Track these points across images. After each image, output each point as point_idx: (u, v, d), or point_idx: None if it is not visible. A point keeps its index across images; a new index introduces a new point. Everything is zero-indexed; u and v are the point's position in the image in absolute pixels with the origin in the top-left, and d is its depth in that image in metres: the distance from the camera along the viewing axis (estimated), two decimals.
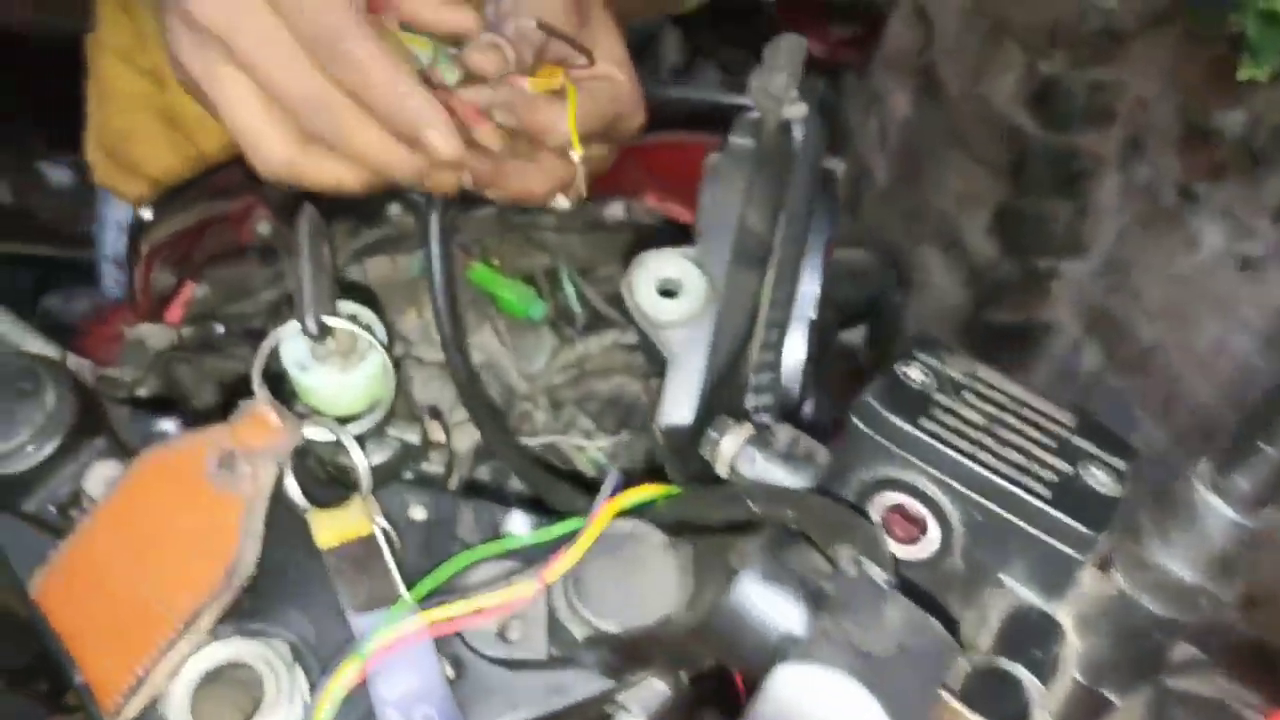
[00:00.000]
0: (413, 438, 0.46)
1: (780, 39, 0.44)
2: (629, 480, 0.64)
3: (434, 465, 0.49)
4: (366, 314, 0.44)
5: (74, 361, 0.47)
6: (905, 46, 1.81)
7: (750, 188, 0.43)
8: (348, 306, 0.43)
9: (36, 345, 0.46)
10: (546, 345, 0.80)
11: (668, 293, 0.42)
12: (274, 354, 0.43)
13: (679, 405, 0.40)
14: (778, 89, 0.43)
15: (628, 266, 0.42)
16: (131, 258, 0.65)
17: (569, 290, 0.80)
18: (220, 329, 0.65)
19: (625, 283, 0.42)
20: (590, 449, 0.65)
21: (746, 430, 0.38)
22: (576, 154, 0.51)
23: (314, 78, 0.43)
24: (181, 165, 0.81)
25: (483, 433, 0.53)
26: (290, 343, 0.41)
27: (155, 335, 0.58)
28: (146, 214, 0.66)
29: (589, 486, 0.65)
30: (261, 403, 0.38)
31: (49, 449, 0.42)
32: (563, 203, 0.59)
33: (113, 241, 0.95)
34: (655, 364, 0.77)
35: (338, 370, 0.41)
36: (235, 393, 0.68)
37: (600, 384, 0.80)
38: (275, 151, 0.43)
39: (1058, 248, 1.68)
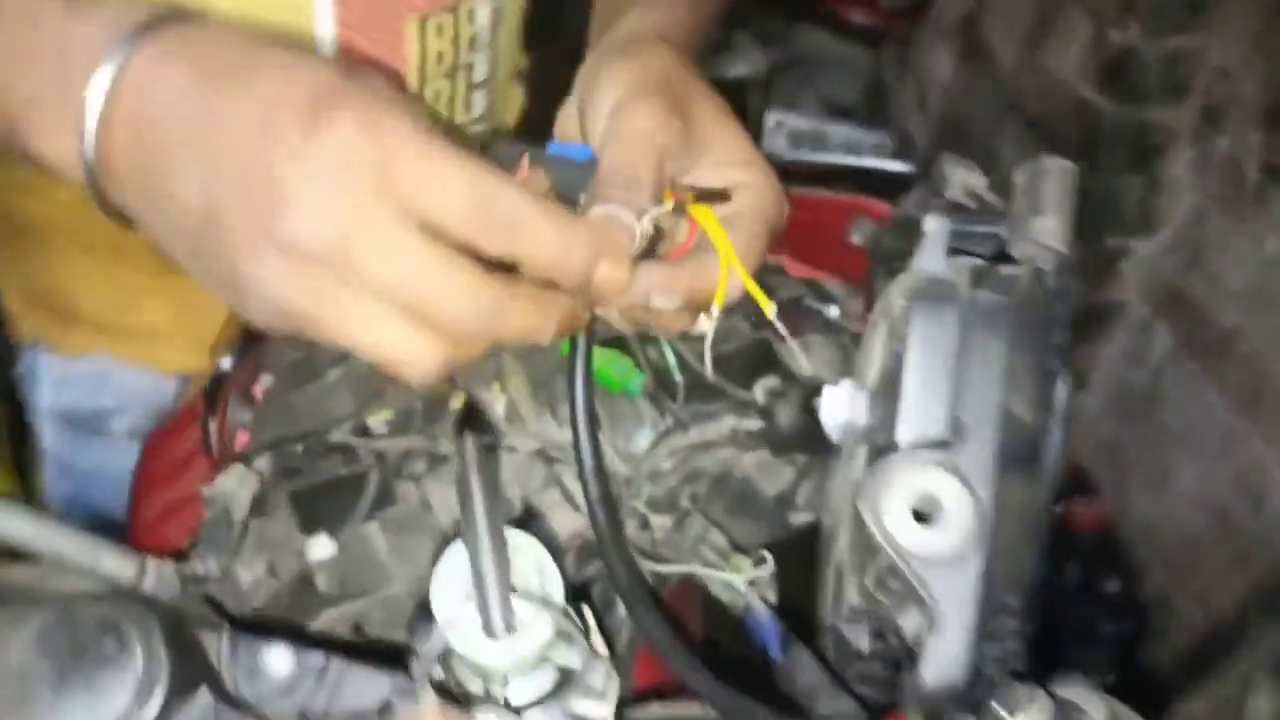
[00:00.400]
0: (573, 661, 0.38)
1: (1041, 164, 0.35)
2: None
3: (594, 679, 0.41)
4: (536, 551, 0.35)
5: (152, 576, 0.39)
6: (953, 11, 1.71)
7: (1013, 365, 0.34)
8: (515, 538, 0.34)
9: (110, 561, 0.38)
10: (645, 418, 0.71)
11: (924, 514, 0.33)
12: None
13: (949, 666, 0.32)
14: (1050, 235, 0.34)
15: (867, 478, 0.34)
16: (208, 412, 0.56)
17: (668, 356, 0.72)
18: (299, 448, 0.57)
19: (868, 502, 0.34)
20: (736, 582, 0.56)
21: (1047, 708, 0.30)
22: (769, 311, 0.43)
23: (468, 279, 0.35)
24: (154, 308, 0.71)
25: (632, 616, 0.45)
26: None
27: (236, 492, 0.49)
28: (225, 364, 0.57)
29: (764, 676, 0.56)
30: (428, 710, 0.30)
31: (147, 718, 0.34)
32: (705, 325, 0.51)
33: (51, 395, 0.82)
34: (775, 445, 0.68)
35: (506, 636, 0.33)
36: (314, 509, 0.60)
37: (704, 459, 0.72)
38: (428, 367, 0.36)
39: (1128, 226, 1.60)
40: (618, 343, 0.71)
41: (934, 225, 0.43)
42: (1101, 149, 1.60)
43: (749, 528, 0.70)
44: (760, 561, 0.56)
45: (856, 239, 0.63)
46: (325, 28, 0.67)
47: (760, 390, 0.72)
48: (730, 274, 0.50)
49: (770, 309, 0.46)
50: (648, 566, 0.58)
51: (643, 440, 0.70)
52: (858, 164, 0.65)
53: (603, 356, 0.69)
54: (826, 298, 0.71)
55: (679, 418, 0.69)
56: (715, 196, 0.48)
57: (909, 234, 0.55)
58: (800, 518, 0.72)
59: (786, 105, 1.65)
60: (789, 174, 0.74)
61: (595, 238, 0.39)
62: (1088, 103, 1.59)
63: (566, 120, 0.57)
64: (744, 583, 0.55)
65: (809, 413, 0.64)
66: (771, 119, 1.53)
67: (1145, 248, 1.60)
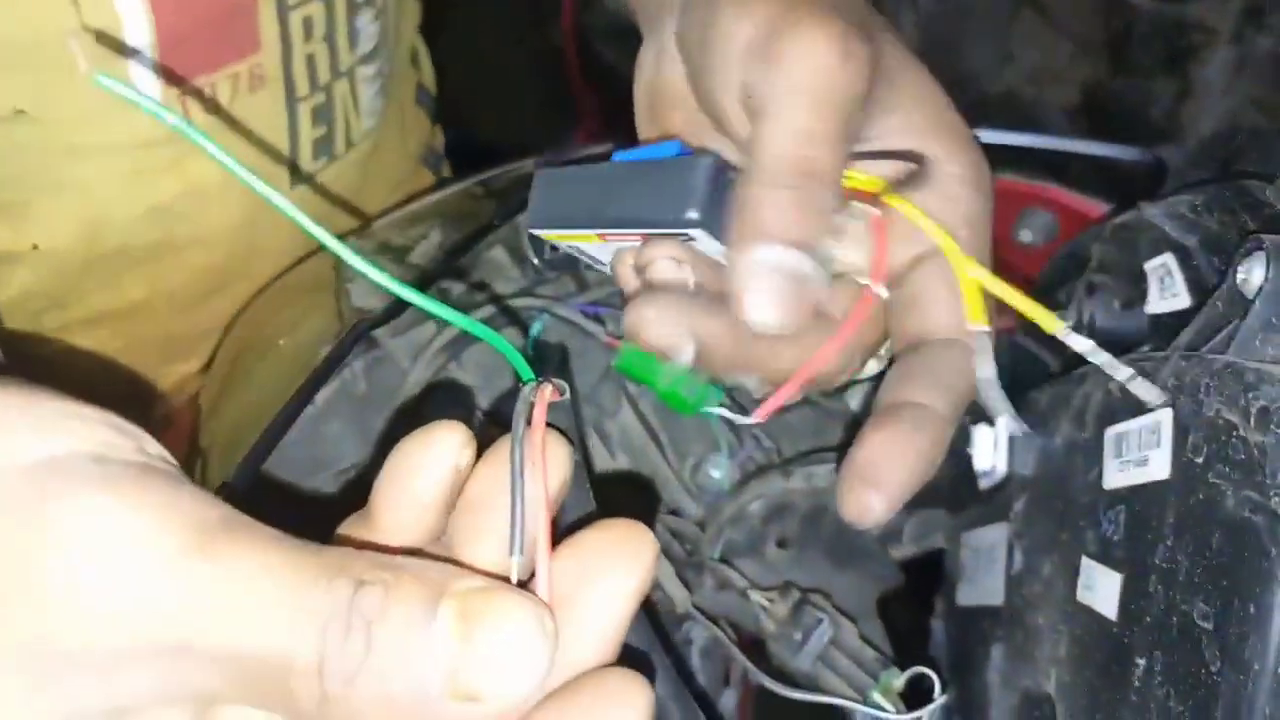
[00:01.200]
0: None
1: None
2: None
3: None
4: None
5: None
6: None
7: None
8: None
9: None
10: (721, 441, 0.57)
11: None
12: None
13: None
14: None
15: None
16: None
17: None
18: None
19: None
20: None
21: None
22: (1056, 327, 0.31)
23: None
24: None
25: None
26: None
27: None
28: None
29: None
30: None
31: None
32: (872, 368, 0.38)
33: None
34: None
35: None
36: None
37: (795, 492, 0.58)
38: None
39: (1156, 133, 1.47)
40: None
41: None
42: (1131, 49, 1.46)
43: (852, 581, 0.56)
44: (923, 685, 0.42)
45: (1027, 236, 0.48)
46: None
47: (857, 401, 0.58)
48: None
49: (1057, 325, 0.32)
50: (768, 687, 0.44)
51: (716, 470, 0.56)
52: (1043, 144, 0.50)
53: (670, 375, 0.54)
54: None
55: (771, 453, 0.55)
56: (909, 179, 0.33)
57: (1136, 247, 0.41)
58: (903, 551, 0.59)
59: None
60: None
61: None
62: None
63: (661, 93, 0.39)
64: None
65: (951, 454, 0.50)
66: None
67: (1171, 157, 1.47)
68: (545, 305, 0.52)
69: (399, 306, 0.46)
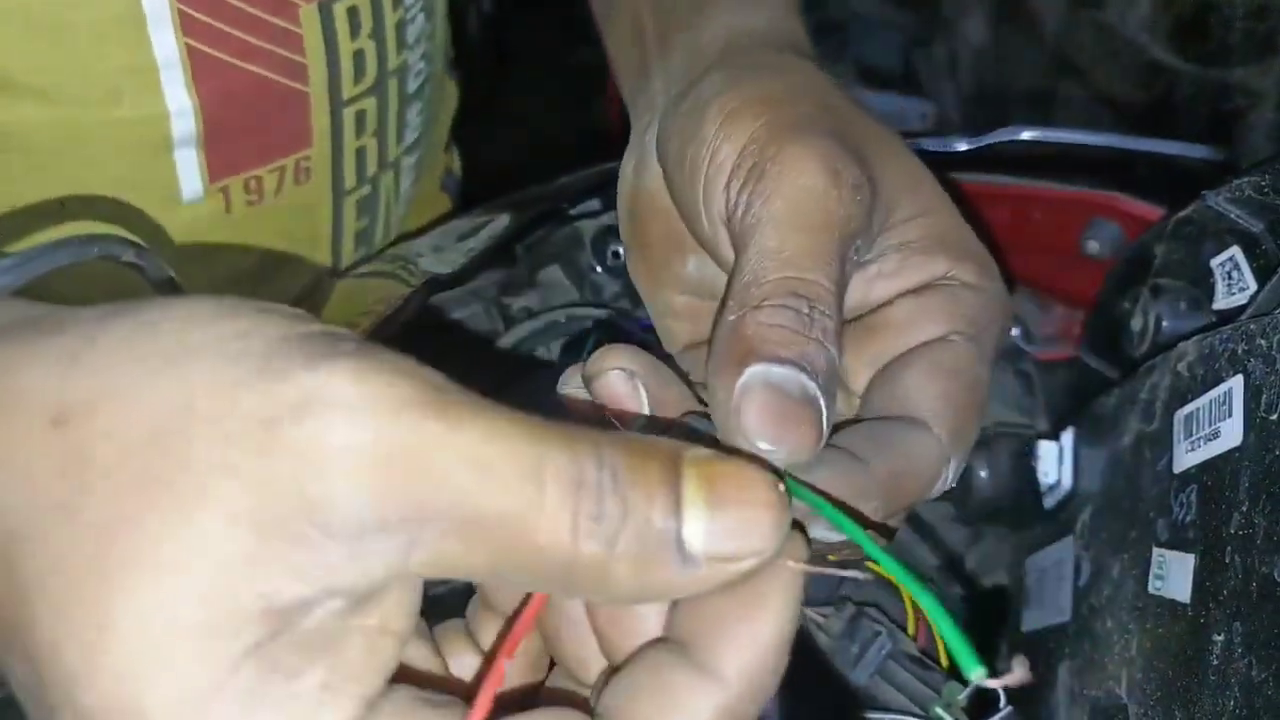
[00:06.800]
0: None
1: None
2: None
3: None
4: None
5: None
6: None
7: None
8: None
9: None
10: None
11: None
12: None
13: None
14: None
15: None
16: None
17: None
18: None
19: None
20: None
21: None
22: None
23: None
24: None
25: None
26: None
27: None
28: None
29: None
30: None
31: None
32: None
33: None
34: (968, 513, 0.54)
35: None
36: None
37: None
38: None
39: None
40: None
41: None
42: (1173, 116, 1.47)
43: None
44: (988, 698, 0.41)
45: (1094, 247, 0.48)
46: (165, 44, 0.48)
47: None
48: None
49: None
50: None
51: None
52: (1108, 142, 0.50)
53: None
54: None
55: None
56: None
57: (1200, 243, 0.41)
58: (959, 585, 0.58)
59: None
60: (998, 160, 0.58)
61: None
62: (1159, 65, 1.45)
63: (640, 203, 0.38)
64: None
65: (1016, 471, 0.50)
66: None
67: None
68: (602, 318, 0.52)
69: (468, 271, 0.46)
